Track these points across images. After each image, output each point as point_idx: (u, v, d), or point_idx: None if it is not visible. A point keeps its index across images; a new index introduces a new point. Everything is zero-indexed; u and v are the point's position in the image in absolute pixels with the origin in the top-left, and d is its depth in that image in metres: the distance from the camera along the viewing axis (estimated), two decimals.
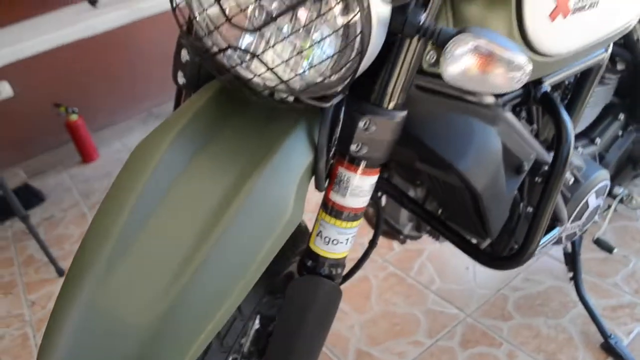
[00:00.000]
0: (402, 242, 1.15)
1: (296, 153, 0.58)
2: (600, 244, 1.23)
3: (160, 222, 0.55)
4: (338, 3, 0.48)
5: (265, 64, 0.52)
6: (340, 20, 0.49)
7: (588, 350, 1.24)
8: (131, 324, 0.50)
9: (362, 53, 0.50)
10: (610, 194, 1.26)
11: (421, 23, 0.53)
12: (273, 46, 0.50)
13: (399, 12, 0.52)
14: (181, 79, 0.69)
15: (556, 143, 0.74)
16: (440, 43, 0.51)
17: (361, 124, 0.60)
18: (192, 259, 0.52)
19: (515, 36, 0.64)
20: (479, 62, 0.49)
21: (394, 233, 1.10)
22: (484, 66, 0.49)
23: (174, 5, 0.53)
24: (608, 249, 1.21)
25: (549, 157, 0.94)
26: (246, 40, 0.53)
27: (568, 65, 0.79)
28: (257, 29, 0.49)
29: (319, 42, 0.50)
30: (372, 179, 0.67)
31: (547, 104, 0.77)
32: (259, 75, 0.53)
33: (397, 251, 1.65)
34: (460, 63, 0.50)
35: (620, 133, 1.18)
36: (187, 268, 0.52)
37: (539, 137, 0.94)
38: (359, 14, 0.48)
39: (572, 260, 1.26)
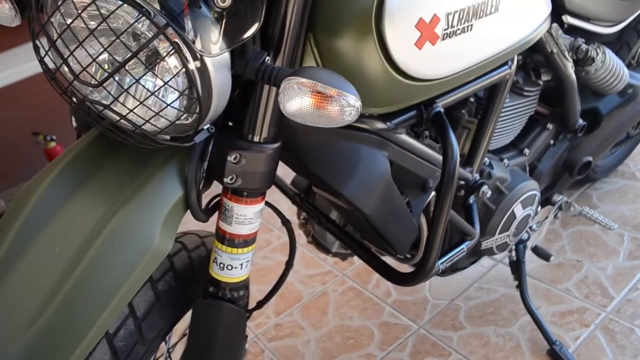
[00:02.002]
0: (336, 257, 1.18)
1: (166, 188, 0.61)
2: (537, 251, 1.24)
3: (32, 257, 0.58)
4: (169, 54, 0.51)
5: (117, 113, 0.55)
6: (174, 70, 0.52)
7: (534, 358, 1.25)
8: (6, 353, 0.53)
9: (199, 99, 0.53)
10: (550, 202, 1.28)
11: (260, 65, 0.56)
12: (116, 99, 0.53)
13: (241, 57, 0.55)
14: (74, 123, 0.72)
15: (442, 163, 0.76)
16: (277, 84, 0.53)
17: (230, 158, 0.63)
18: (58, 291, 0.55)
19: (383, 65, 0.66)
20: (310, 101, 0.52)
21: (324, 250, 1.13)
22: (316, 104, 0.52)
23: (44, 67, 0.56)
24: (545, 256, 1.23)
25: (466, 172, 0.97)
26: (102, 91, 0.56)
27: (460, 85, 0.81)
28: (99, 84, 0.52)
29: (156, 90, 0.53)
30: (256, 207, 0.69)
31: (437, 125, 0.79)
32: (118, 121, 0.56)
33: (357, 265, 1.67)
34: (294, 102, 0.52)
35: (551, 142, 1.20)
36: (53, 300, 0.55)
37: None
38: (191, 63, 0.51)
39: (517, 268, 1.28)
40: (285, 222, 0.87)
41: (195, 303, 0.77)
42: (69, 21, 0.52)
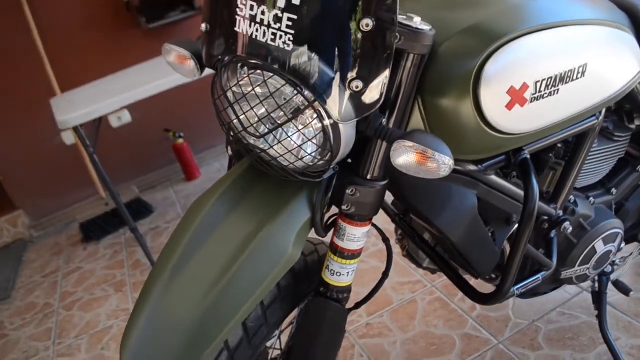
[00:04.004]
0: (426, 270, 1.33)
1: (298, 211, 0.81)
2: (617, 285, 1.30)
3: (203, 254, 0.79)
4: (314, 119, 0.70)
5: (271, 156, 0.75)
6: (313, 129, 0.71)
7: None
8: (180, 319, 0.75)
9: (332, 150, 0.71)
10: (636, 239, 1.34)
11: (378, 125, 0.73)
12: (272, 147, 0.73)
13: (364, 117, 0.73)
14: (230, 151, 0.94)
15: (523, 203, 0.89)
16: (390, 142, 0.70)
17: (348, 191, 0.81)
18: (221, 279, 0.76)
19: (478, 123, 0.80)
20: (415, 158, 0.68)
21: (416, 264, 1.28)
22: (418, 161, 0.68)
23: (223, 123, 0.77)
24: (625, 291, 1.29)
25: (549, 208, 1.08)
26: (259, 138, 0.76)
27: (545, 136, 0.93)
28: (262, 136, 0.73)
29: (302, 144, 0.73)
30: (364, 228, 0.87)
31: (522, 169, 0.91)
32: (271, 161, 0.77)
33: (445, 278, 1.79)
34: (402, 158, 0.69)
35: None
36: (217, 285, 0.76)
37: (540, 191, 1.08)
38: (328, 125, 0.70)
39: (597, 298, 1.35)
40: (385, 240, 1.04)
41: (308, 298, 0.97)
42: (242, 88, 0.72)
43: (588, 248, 1.15)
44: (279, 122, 0.72)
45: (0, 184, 2.84)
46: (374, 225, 1.06)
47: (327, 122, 0.70)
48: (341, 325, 0.97)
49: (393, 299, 1.80)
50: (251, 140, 0.78)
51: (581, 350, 1.41)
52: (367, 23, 0.62)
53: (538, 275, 0.99)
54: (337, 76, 0.66)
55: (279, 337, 1.17)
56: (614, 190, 1.22)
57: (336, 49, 0.64)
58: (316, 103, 0.68)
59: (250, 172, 0.87)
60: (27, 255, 2.79)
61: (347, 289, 0.94)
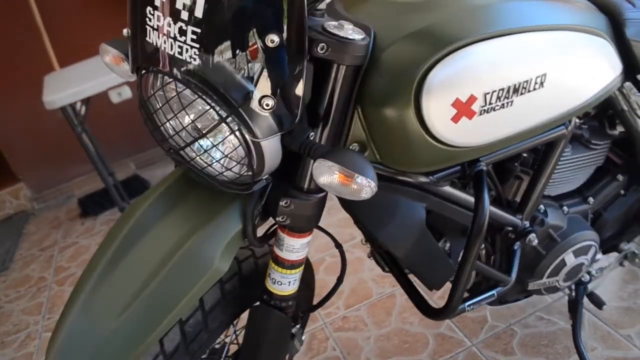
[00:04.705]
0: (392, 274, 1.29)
1: (229, 222, 0.78)
2: (591, 297, 1.25)
3: (131, 261, 0.78)
4: (231, 133, 0.66)
5: (195, 167, 0.72)
6: (231, 144, 0.68)
7: None
8: (101, 331, 0.74)
9: (252, 165, 0.68)
10: (616, 249, 1.28)
11: (304, 140, 0.69)
12: (195, 157, 0.70)
13: (289, 132, 0.69)
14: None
15: (473, 218, 0.84)
16: (313, 159, 0.66)
17: (282, 203, 0.78)
18: (143, 291, 0.74)
19: (423, 135, 0.75)
20: (337, 179, 0.64)
21: (381, 266, 1.25)
22: (341, 182, 0.64)
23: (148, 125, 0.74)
24: (598, 304, 1.24)
25: (515, 219, 1.03)
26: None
27: (504, 147, 0.88)
28: (181, 149, 0.70)
29: (221, 158, 0.69)
30: (303, 240, 0.84)
31: (475, 182, 0.87)
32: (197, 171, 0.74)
33: None
34: (324, 177, 0.65)
35: (622, 192, 1.19)
36: (139, 297, 0.74)
37: (501, 201, 1.03)
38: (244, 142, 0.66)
39: (573, 307, 1.30)
40: (338, 246, 1.01)
41: (252, 305, 0.95)
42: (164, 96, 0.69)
43: (557, 260, 1.10)
44: (198, 134, 0.69)
45: (2, 157, 2.88)
46: (324, 231, 1.03)
47: (243, 140, 0.67)
48: (285, 334, 0.95)
49: (373, 292, 1.78)
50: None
51: (555, 358, 1.38)
52: (273, 39, 0.58)
53: (493, 292, 0.95)
54: (247, 94, 0.62)
55: (236, 337, 1.16)
56: (591, 199, 1.16)
57: (244, 66, 0.60)
58: (230, 119, 0.65)
59: (184, 180, 0.84)
60: (28, 227, 2.84)
61: (291, 298, 0.92)
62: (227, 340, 1.15)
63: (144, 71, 0.68)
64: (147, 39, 0.64)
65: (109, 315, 0.75)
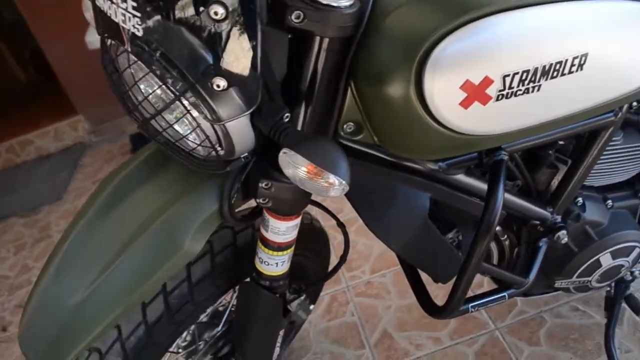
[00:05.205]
0: None
1: (205, 199, 0.72)
2: (629, 301, 1.12)
3: (102, 232, 0.75)
4: (187, 113, 0.59)
5: (168, 140, 0.66)
6: (188, 122, 0.60)
7: None
8: (65, 304, 0.72)
9: (214, 145, 0.61)
10: None
11: (275, 123, 0.60)
12: (162, 132, 0.64)
13: (259, 113, 0.61)
14: None
15: (482, 213, 0.73)
16: (284, 146, 0.58)
17: (262, 184, 0.71)
18: (110, 265, 0.72)
19: (425, 119, 0.64)
20: (305, 172, 0.56)
21: None
22: (308, 176, 0.56)
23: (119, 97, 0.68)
24: (636, 308, 1.10)
25: (544, 212, 0.91)
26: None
27: (531, 136, 0.75)
28: (145, 122, 0.63)
29: (185, 135, 0.62)
30: (289, 223, 0.78)
31: (492, 173, 0.75)
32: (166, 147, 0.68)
33: None
34: (288, 169, 0.57)
35: None
36: (106, 271, 0.72)
37: (530, 191, 0.90)
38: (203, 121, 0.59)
39: (610, 305, 1.17)
40: (340, 225, 0.94)
41: (243, 280, 0.91)
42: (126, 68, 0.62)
43: (591, 260, 0.97)
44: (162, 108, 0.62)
45: (63, 90, 2.97)
46: (328, 211, 0.96)
47: (202, 119, 0.59)
48: (274, 313, 0.91)
49: None
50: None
51: (582, 356, 1.27)
52: (217, 11, 0.49)
53: (504, 294, 0.85)
54: (197, 73, 0.54)
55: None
56: None
57: (189, 41, 0.52)
58: (190, 96, 0.57)
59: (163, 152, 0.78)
60: (84, 159, 2.96)
61: (281, 278, 0.87)
62: (232, 303, 1.13)
63: (105, 35, 0.61)
64: (97, 2, 0.57)
65: (78, 286, 0.73)
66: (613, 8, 0.67)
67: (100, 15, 0.58)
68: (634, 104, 0.85)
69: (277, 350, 1.02)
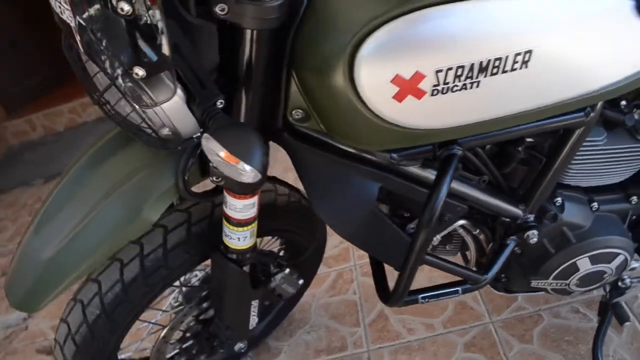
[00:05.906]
0: None
1: (163, 174, 0.78)
2: (615, 309, 1.07)
3: (78, 193, 0.82)
4: (122, 97, 0.64)
5: (119, 115, 0.71)
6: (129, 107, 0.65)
7: None
8: (40, 257, 0.81)
9: (152, 129, 0.65)
10: None
11: (208, 107, 0.64)
12: (109, 111, 0.69)
13: (194, 100, 0.64)
14: None
15: (423, 206, 0.74)
16: (207, 132, 0.61)
17: (212, 164, 0.75)
18: (80, 223, 0.79)
19: (363, 112, 0.65)
20: (219, 158, 0.60)
21: None
22: (224, 161, 0.60)
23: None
24: (620, 318, 1.05)
25: (516, 209, 0.90)
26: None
27: (486, 132, 0.74)
28: (97, 101, 0.69)
29: (127, 114, 0.67)
30: (245, 201, 0.82)
31: (442, 166, 0.75)
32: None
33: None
34: (209, 155, 0.61)
35: None
36: (75, 229, 0.79)
37: (501, 187, 0.89)
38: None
39: (603, 310, 1.14)
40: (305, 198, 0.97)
41: (214, 254, 0.96)
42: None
43: (567, 263, 0.95)
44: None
45: None
46: (295, 190, 0.99)
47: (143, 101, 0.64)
48: (241, 285, 0.96)
49: None
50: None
51: (573, 358, 1.23)
52: (123, 7, 0.52)
53: (457, 288, 0.85)
54: (120, 61, 0.58)
55: None
56: (635, 198, 0.95)
57: (106, 33, 0.56)
58: (127, 81, 0.62)
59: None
60: None
61: (247, 251, 0.92)
62: None
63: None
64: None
65: (52, 241, 0.81)
66: (565, 2, 0.64)
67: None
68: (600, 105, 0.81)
69: (254, 318, 1.08)
